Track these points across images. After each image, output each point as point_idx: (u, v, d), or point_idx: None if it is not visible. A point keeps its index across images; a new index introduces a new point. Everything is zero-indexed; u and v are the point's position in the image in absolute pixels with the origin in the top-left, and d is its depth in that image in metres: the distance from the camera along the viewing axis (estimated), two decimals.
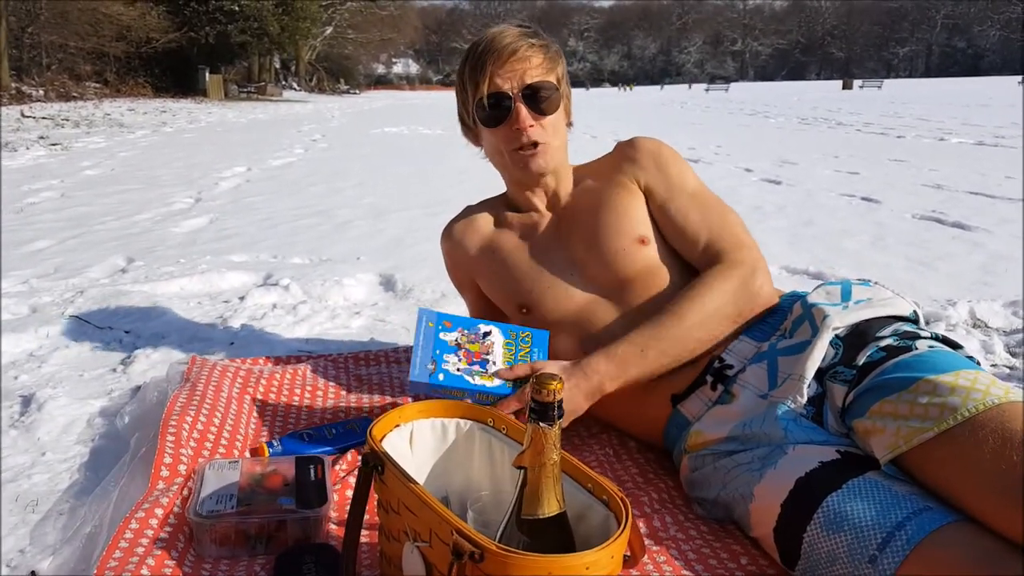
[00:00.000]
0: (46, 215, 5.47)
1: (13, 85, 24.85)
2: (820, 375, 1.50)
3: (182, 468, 1.62)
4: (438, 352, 1.68)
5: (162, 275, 3.68)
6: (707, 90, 63.76)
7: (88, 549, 1.42)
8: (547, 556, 0.96)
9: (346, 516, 1.21)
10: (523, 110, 1.73)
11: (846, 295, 1.64)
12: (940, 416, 1.24)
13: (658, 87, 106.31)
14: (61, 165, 8.76)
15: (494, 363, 1.68)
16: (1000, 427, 1.18)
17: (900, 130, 13.78)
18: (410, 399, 2.00)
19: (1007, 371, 2.49)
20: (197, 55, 37.20)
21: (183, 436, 1.72)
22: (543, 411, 0.99)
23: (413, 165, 9.06)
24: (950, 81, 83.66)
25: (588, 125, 15.90)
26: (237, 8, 37.94)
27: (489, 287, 1.95)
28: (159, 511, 1.43)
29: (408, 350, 2.52)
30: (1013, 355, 2.63)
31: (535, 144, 1.76)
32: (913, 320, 1.60)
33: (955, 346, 1.47)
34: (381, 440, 1.27)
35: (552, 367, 1.64)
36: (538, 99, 1.74)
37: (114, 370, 2.46)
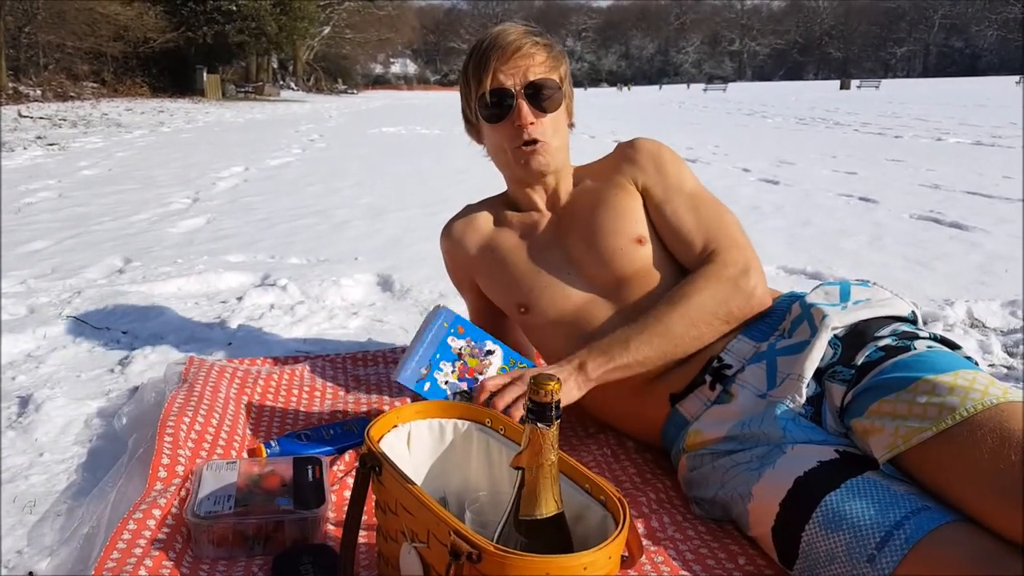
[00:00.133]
0: (43, 215, 5.47)
1: (10, 85, 24.83)
2: (819, 375, 1.50)
3: (180, 469, 1.62)
4: (437, 357, 1.67)
5: (159, 275, 3.68)
6: (705, 90, 63.78)
7: (86, 550, 1.42)
8: (545, 556, 0.97)
9: (344, 517, 1.21)
10: (525, 107, 1.73)
11: (845, 295, 1.65)
12: (939, 416, 1.24)
13: (656, 87, 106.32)
14: (58, 165, 8.75)
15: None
16: (998, 427, 1.18)
17: (898, 130, 13.79)
18: (408, 400, 2.00)
19: (1005, 371, 2.50)
20: (195, 55, 37.18)
21: (181, 437, 1.71)
22: (541, 411, 0.99)
23: (411, 165, 9.06)
24: (948, 81, 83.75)
25: (587, 125, 15.89)
26: (235, 8, 37.91)
27: (488, 286, 1.95)
28: (157, 512, 1.43)
29: (405, 350, 2.51)
30: (1011, 355, 2.63)
31: (536, 141, 1.76)
32: (911, 320, 1.60)
33: (953, 346, 1.48)
34: (379, 441, 1.27)
35: (533, 372, 1.64)
36: (540, 97, 1.74)
37: (112, 371, 2.46)
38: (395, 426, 1.34)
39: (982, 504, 1.16)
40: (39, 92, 25.06)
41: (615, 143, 1.94)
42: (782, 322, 1.67)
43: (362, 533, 1.29)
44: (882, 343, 1.47)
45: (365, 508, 1.22)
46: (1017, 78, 63.60)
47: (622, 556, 1.11)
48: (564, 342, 1.78)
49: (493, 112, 1.77)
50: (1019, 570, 1.07)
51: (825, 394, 1.48)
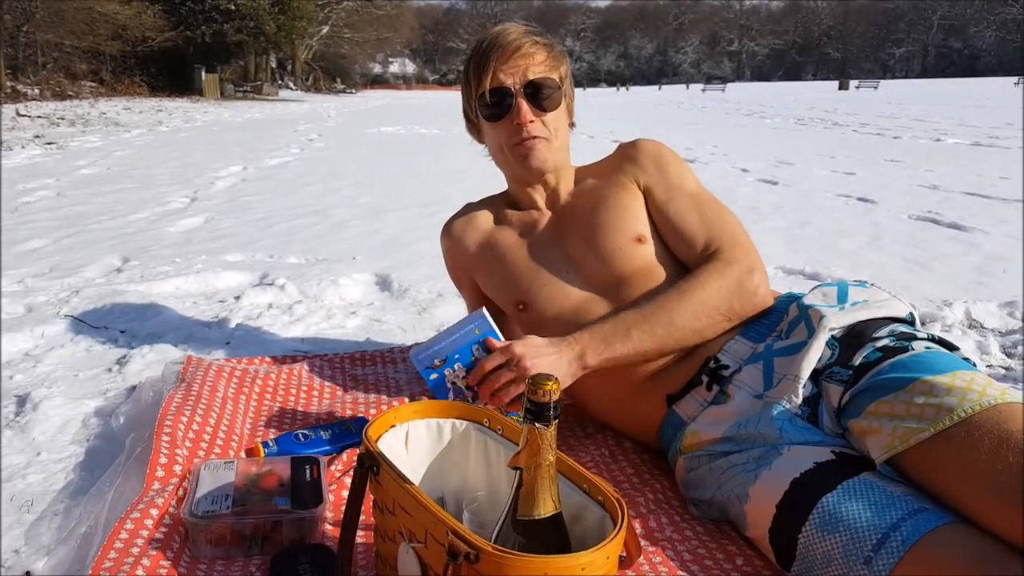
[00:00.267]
0: (41, 214, 5.46)
1: (8, 84, 24.79)
2: (816, 375, 1.50)
3: (177, 468, 1.62)
4: (456, 357, 1.66)
5: (157, 275, 3.67)
6: (703, 90, 63.80)
7: (83, 549, 1.41)
8: (543, 557, 0.96)
9: (342, 517, 1.21)
10: (524, 105, 1.74)
11: (842, 296, 1.65)
12: (936, 416, 1.24)
13: (656, 87, 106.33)
14: (56, 164, 8.74)
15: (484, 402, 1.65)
16: (996, 428, 1.18)
17: (896, 130, 13.80)
18: (406, 399, 2.00)
19: (1003, 372, 2.50)
20: (193, 54, 37.15)
21: (178, 436, 1.71)
22: (539, 412, 0.99)
23: (410, 165, 9.06)
24: (946, 82, 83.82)
25: (585, 125, 15.85)
26: (233, 7, 37.87)
27: (487, 284, 1.95)
28: (154, 511, 1.43)
29: (404, 350, 2.52)
30: (1009, 356, 2.63)
31: (535, 139, 1.77)
32: (909, 322, 1.60)
33: (951, 348, 1.48)
34: (377, 441, 1.27)
35: (535, 340, 1.64)
36: (540, 96, 1.75)
37: (109, 370, 2.46)
38: (393, 426, 1.34)
39: (980, 505, 1.16)
40: (37, 91, 25.02)
41: (614, 143, 1.94)
42: (779, 323, 1.67)
43: (360, 533, 1.29)
44: (880, 344, 1.47)
45: (363, 508, 1.22)
46: (1016, 79, 63.68)
47: (620, 556, 1.11)
48: None
49: (493, 111, 1.77)
50: (1018, 571, 1.07)
51: (822, 395, 1.48)
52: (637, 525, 1.49)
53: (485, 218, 1.98)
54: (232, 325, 2.90)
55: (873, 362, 1.43)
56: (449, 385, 1.67)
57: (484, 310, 1.69)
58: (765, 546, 1.36)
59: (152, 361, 2.49)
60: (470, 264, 1.98)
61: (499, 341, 1.66)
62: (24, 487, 1.73)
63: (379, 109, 29.03)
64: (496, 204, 2.01)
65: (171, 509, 1.47)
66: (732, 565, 1.39)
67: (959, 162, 8.58)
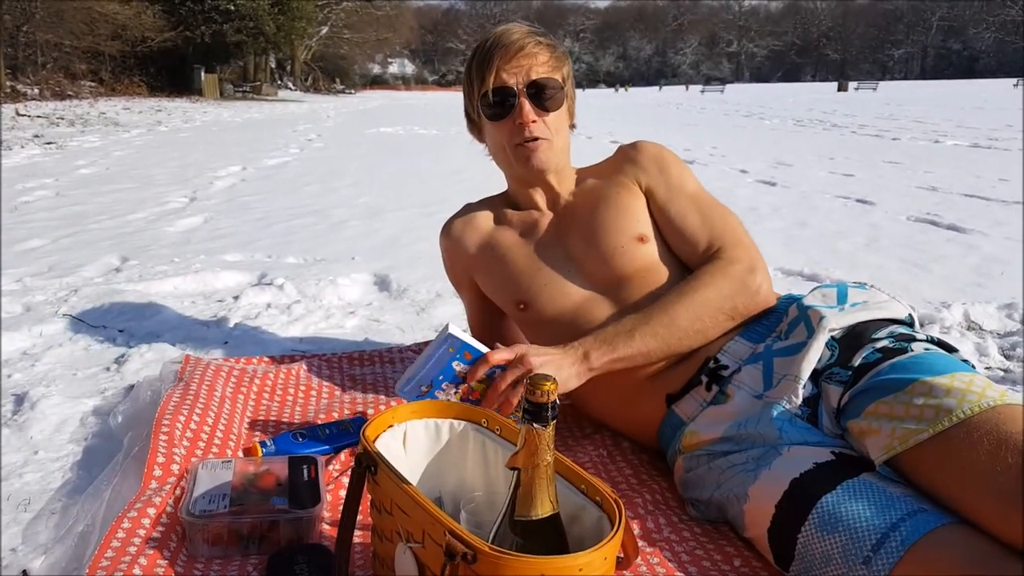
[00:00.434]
0: (40, 213, 5.46)
1: (8, 83, 24.79)
2: (815, 376, 1.50)
3: (175, 467, 1.62)
4: (440, 378, 1.62)
5: (156, 274, 3.67)
6: (703, 91, 63.82)
7: (80, 548, 1.41)
8: (540, 557, 0.96)
9: (339, 516, 1.21)
10: (527, 105, 1.74)
11: (842, 298, 1.65)
12: (935, 417, 1.24)
13: (656, 88, 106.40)
14: (56, 164, 8.74)
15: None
16: (995, 429, 1.18)
17: (895, 132, 13.81)
18: (405, 400, 2.00)
19: (1001, 374, 2.50)
20: (193, 54, 37.14)
21: (176, 435, 1.71)
22: (537, 412, 0.98)
23: (409, 165, 9.06)
24: (945, 83, 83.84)
25: (584, 126, 15.81)
26: (233, 7, 37.86)
27: (487, 284, 1.95)
28: (152, 510, 1.43)
29: (402, 350, 2.51)
30: (1007, 358, 2.63)
31: (536, 138, 1.77)
32: (909, 323, 1.60)
33: (951, 349, 1.48)
34: (374, 440, 1.27)
35: (536, 350, 1.62)
36: (542, 96, 1.75)
37: (108, 369, 2.46)
38: (391, 426, 1.34)
39: (979, 506, 1.15)
40: (37, 91, 25.03)
41: (613, 144, 1.94)
42: (779, 324, 1.67)
43: (357, 533, 1.29)
44: (879, 345, 1.47)
45: (360, 508, 1.22)
46: (1015, 80, 63.74)
47: (618, 557, 1.11)
48: (563, 340, 1.77)
49: (495, 110, 1.78)
50: (1017, 572, 1.07)
51: (822, 395, 1.48)
52: (635, 526, 1.49)
53: (485, 218, 1.98)
54: (230, 325, 2.90)
55: (873, 363, 1.43)
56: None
57: (450, 326, 1.62)
58: (764, 546, 1.36)
59: (150, 360, 2.49)
60: (470, 264, 1.98)
61: (481, 347, 1.62)
62: (21, 486, 1.73)
63: (378, 109, 29.04)
64: (496, 204, 2.01)
65: (168, 508, 1.46)
66: (730, 566, 1.39)
67: (958, 164, 8.59)
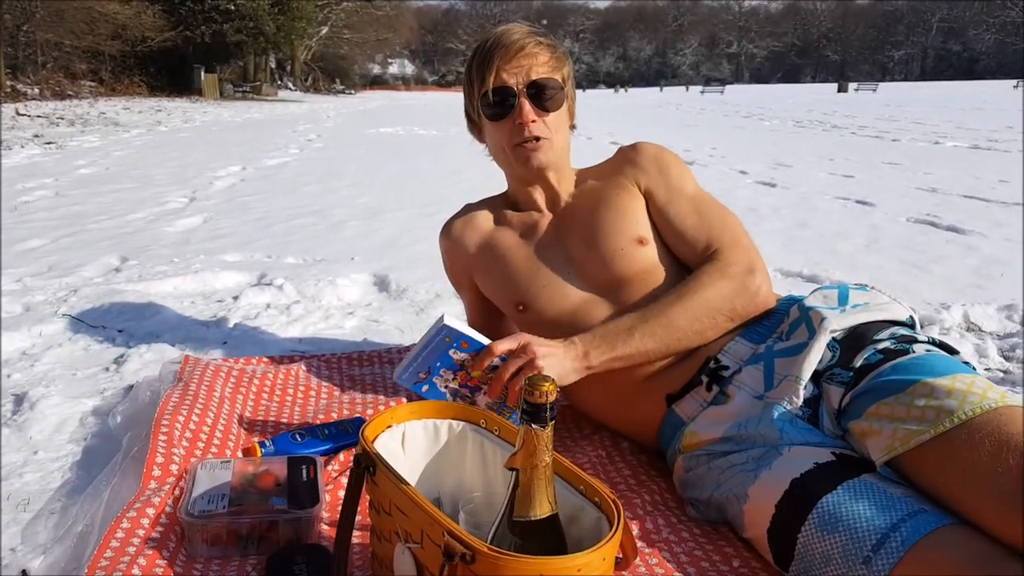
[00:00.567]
0: (40, 213, 5.46)
1: (8, 83, 24.79)
2: (816, 377, 1.50)
3: (174, 468, 1.62)
4: (438, 365, 1.61)
5: (156, 274, 3.67)
6: (702, 92, 63.85)
7: (79, 548, 1.41)
8: (539, 558, 0.96)
9: (338, 517, 1.21)
10: (526, 105, 1.74)
11: (843, 299, 1.65)
12: (936, 419, 1.24)
13: (656, 88, 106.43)
14: (55, 163, 8.74)
15: (484, 396, 1.61)
16: (996, 431, 1.18)
17: (895, 133, 13.81)
18: (404, 400, 2.00)
19: (1001, 375, 2.50)
20: (193, 54, 37.14)
21: (175, 436, 1.71)
22: (535, 412, 0.98)
23: (408, 165, 9.06)
24: (945, 84, 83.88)
25: (584, 126, 15.82)
26: (233, 7, 37.86)
27: (486, 284, 1.95)
28: (151, 511, 1.43)
29: (401, 351, 2.52)
30: (1007, 359, 2.63)
31: (536, 139, 1.77)
32: (910, 325, 1.61)
33: (952, 351, 1.48)
34: (373, 441, 1.27)
35: (539, 340, 1.61)
36: (542, 96, 1.75)
37: (107, 369, 2.46)
38: (390, 426, 1.34)
39: (980, 507, 1.16)
40: (37, 90, 25.03)
41: (612, 144, 1.95)
42: (780, 325, 1.67)
43: (356, 533, 1.29)
44: (881, 346, 1.47)
45: (359, 508, 1.22)
46: (1015, 82, 63.76)
47: (616, 558, 1.11)
48: None
49: (495, 110, 1.77)
50: (1018, 573, 1.07)
51: (823, 396, 1.48)
52: (634, 526, 1.49)
53: (485, 219, 1.98)
54: (230, 325, 2.90)
55: (874, 364, 1.43)
56: (443, 390, 1.64)
57: (444, 316, 1.59)
58: (763, 546, 1.36)
59: (150, 360, 2.49)
60: (469, 265, 1.98)
61: (477, 335, 1.60)
62: (21, 486, 1.72)
63: (378, 110, 29.04)
64: (496, 205, 2.01)
65: (167, 508, 1.46)
66: (729, 567, 1.39)
67: (958, 165, 8.59)
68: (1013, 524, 1.09)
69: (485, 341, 1.59)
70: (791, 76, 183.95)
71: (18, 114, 17.35)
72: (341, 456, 1.75)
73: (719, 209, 1.83)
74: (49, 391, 2.22)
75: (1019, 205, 5.80)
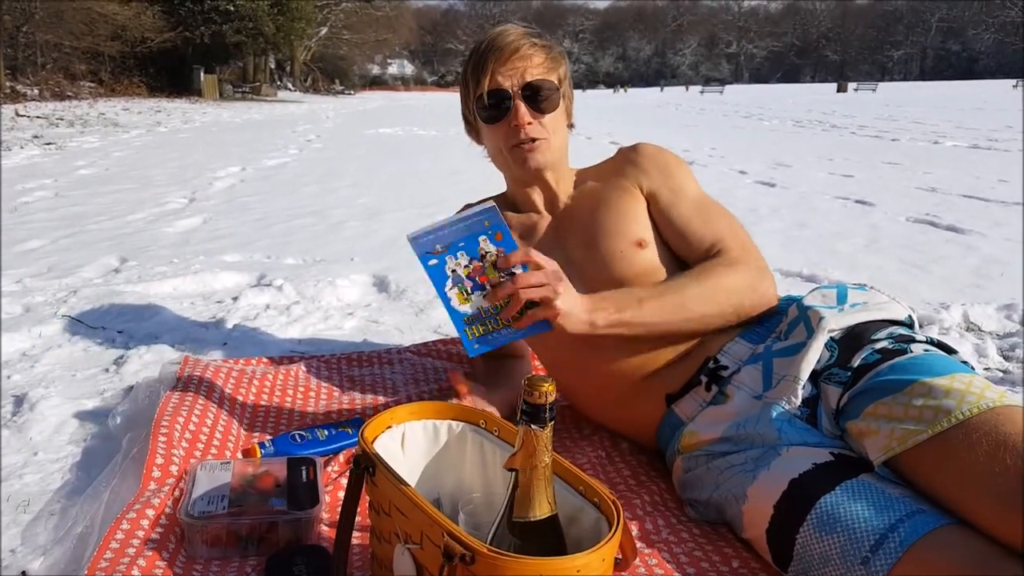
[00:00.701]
0: (40, 214, 5.46)
1: (8, 84, 24.78)
2: (815, 377, 1.50)
3: (174, 469, 1.62)
4: (461, 244, 1.46)
5: (155, 275, 3.67)
6: (702, 92, 63.84)
7: (79, 549, 1.41)
8: (538, 558, 0.96)
9: (337, 518, 1.21)
10: (522, 107, 1.73)
11: (842, 298, 1.65)
12: (934, 418, 1.24)
13: (656, 88, 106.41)
14: (55, 164, 8.74)
15: (483, 298, 1.47)
16: (994, 430, 1.18)
17: (894, 133, 13.82)
18: (403, 401, 2.00)
19: (1000, 375, 2.50)
20: (192, 55, 37.14)
21: (175, 437, 1.71)
22: (535, 413, 0.98)
23: (408, 166, 9.06)
24: (945, 84, 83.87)
25: (583, 126, 15.88)
26: (232, 8, 37.84)
27: None
28: (150, 512, 1.43)
29: (401, 351, 2.52)
30: (1006, 359, 2.63)
31: (533, 140, 1.76)
32: (908, 325, 1.60)
33: (950, 351, 1.48)
34: (373, 442, 1.27)
35: (566, 279, 1.52)
36: (538, 98, 1.74)
37: (107, 370, 2.46)
38: (389, 427, 1.34)
39: (978, 507, 1.16)
40: (36, 91, 25.02)
41: (612, 145, 1.94)
42: (779, 325, 1.67)
43: (355, 534, 1.29)
44: (879, 346, 1.47)
45: (359, 509, 1.22)
46: (1015, 81, 63.75)
47: (616, 558, 1.11)
48: (562, 344, 1.76)
49: (491, 113, 1.77)
50: (1016, 573, 1.07)
51: (821, 396, 1.48)
52: (633, 527, 1.49)
53: None
54: (229, 326, 2.90)
55: (872, 364, 1.43)
56: (448, 273, 1.48)
57: (496, 206, 1.47)
58: (762, 547, 1.36)
59: (149, 361, 2.49)
60: None
61: (517, 240, 1.51)
62: (21, 487, 1.73)
63: (377, 110, 29.04)
64: None
65: (167, 509, 1.47)
66: (728, 567, 1.39)
67: (957, 165, 8.60)
68: (1011, 524, 1.09)
69: (520, 245, 1.48)
70: (790, 76, 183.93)
71: (18, 115, 17.35)
72: (341, 457, 1.75)
73: (723, 212, 1.82)
74: (49, 392, 2.22)
75: (1019, 205, 5.80)
